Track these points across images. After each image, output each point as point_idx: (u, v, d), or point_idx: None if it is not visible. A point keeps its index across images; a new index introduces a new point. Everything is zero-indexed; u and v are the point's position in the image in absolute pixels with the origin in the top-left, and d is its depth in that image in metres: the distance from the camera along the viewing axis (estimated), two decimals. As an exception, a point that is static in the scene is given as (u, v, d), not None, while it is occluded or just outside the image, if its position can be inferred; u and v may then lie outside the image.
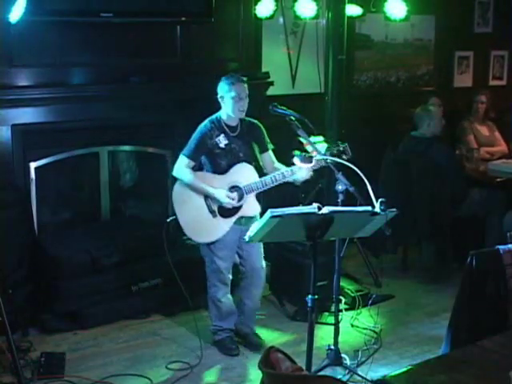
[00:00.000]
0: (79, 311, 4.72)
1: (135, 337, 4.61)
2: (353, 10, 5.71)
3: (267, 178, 4.21)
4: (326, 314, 4.85)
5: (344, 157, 4.04)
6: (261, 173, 4.33)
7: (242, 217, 4.25)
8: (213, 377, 4.18)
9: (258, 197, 4.35)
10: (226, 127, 4.25)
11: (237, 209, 4.24)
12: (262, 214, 3.10)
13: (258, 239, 3.26)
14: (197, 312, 4.68)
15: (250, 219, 4.23)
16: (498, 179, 5.72)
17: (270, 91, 5.79)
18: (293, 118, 4.17)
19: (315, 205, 3.09)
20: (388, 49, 6.93)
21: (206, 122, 4.26)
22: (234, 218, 4.24)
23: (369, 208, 3.21)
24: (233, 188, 4.22)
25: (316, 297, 3.23)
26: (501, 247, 3.36)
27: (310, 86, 6.22)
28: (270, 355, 2.25)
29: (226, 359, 4.35)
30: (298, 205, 3.96)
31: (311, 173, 4.20)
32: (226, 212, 4.23)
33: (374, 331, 4.67)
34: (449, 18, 7.15)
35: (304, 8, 5.61)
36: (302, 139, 4.17)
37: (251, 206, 4.27)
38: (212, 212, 4.22)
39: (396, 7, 5.70)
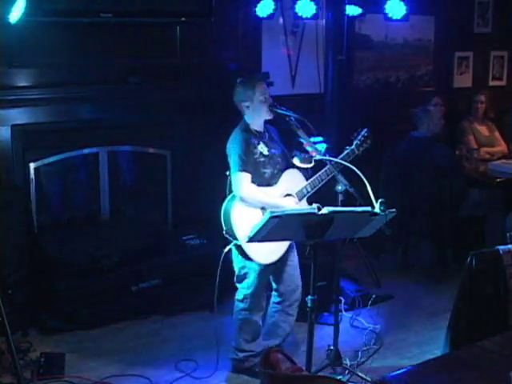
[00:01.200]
0: (79, 311, 4.72)
1: (135, 337, 4.60)
2: (352, 10, 5.70)
3: (315, 180, 4.02)
4: (326, 314, 4.84)
5: (368, 142, 4.15)
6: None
7: None
8: (212, 377, 4.18)
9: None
10: (257, 134, 4.02)
11: None
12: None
13: (258, 239, 3.26)
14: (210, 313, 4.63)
15: None
16: (498, 179, 5.73)
17: (270, 91, 5.75)
18: (292, 118, 4.17)
19: (315, 205, 3.10)
20: (387, 49, 6.92)
21: (239, 131, 3.97)
22: None
23: (368, 208, 3.21)
24: (286, 197, 4.00)
25: (316, 297, 3.24)
26: (501, 248, 3.37)
27: (310, 86, 6.22)
28: (270, 356, 2.25)
29: (225, 359, 4.34)
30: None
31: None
32: None
33: (374, 331, 4.67)
34: (448, 19, 7.15)
35: (304, 8, 5.61)
36: (301, 139, 4.18)
37: None
38: None
39: (395, 7, 5.70)
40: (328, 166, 4.00)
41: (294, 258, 4.14)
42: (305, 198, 4.02)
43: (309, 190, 4.02)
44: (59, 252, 4.77)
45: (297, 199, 3.99)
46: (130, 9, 5.01)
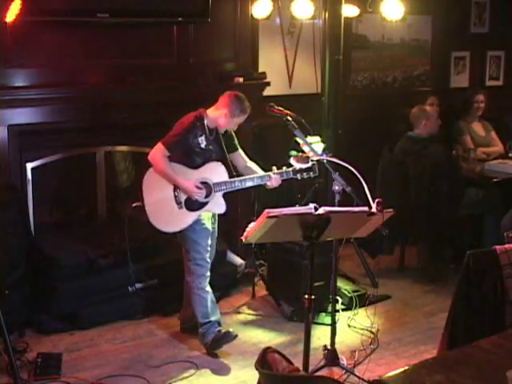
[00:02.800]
0: (76, 312, 4.72)
1: (132, 337, 4.60)
2: (349, 11, 5.71)
3: (237, 180, 4.33)
4: (323, 314, 4.85)
5: (308, 174, 4.28)
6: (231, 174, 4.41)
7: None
8: (209, 377, 4.18)
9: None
10: (207, 129, 4.31)
11: (203, 204, 4.31)
12: (258, 214, 3.10)
13: (255, 240, 3.26)
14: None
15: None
16: (495, 179, 5.73)
17: (267, 91, 5.79)
18: (289, 118, 4.18)
19: (312, 205, 3.09)
20: (385, 49, 6.93)
21: (193, 118, 4.30)
22: (198, 212, 4.32)
23: (365, 208, 3.21)
24: (203, 184, 4.30)
25: (313, 297, 3.24)
26: (498, 247, 3.37)
27: (307, 86, 6.23)
28: (266, 356, 2.25)
29: (222, 359, 4.35)
30: (294, 205, 3.97)
31: (279, 182, 4.33)
32: (191, 205, 4.30)
33: (371, 331, 4.67)
34: (445, 19, 7.16)
35: (301, 8, 5.61)
36: (298, 139, 4.18)
37: (217, 204, 4.35)
38: (179, 203, 4.29)
39: (392, 7, 5.70)
40: (256, 175, 4.33)
41: None
42: (221, 193, 4.31)
43: (228, 186, 4.31)
44: (56, 252, 4.76)
45: (210, 191, 4.28)
46: (126, 9, 5.00)
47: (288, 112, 4.24)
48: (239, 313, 5.06)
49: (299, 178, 4.31)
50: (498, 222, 5.41)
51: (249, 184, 4.33)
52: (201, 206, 4.31)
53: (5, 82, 4.75)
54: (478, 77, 7.64)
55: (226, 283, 5.18)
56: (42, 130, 4.94)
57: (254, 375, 2.32)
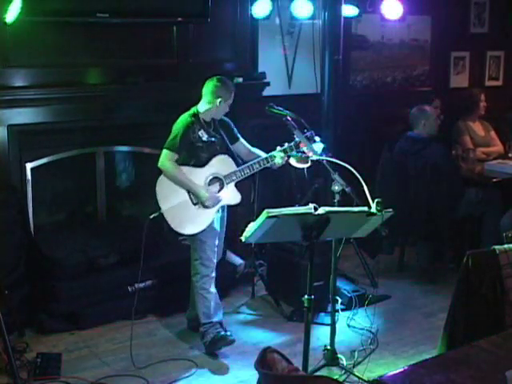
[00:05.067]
0: (75, 312, 4.72)
1: (132, 337, 4.60)
2: (349, 11, 5.71)
3: (245, 167, 4.37)
4: (323, 314, 4.85)
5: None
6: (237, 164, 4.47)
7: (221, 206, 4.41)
8: (209, 377, 4.18)
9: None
10: (203, 123, 4.37)
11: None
12: (258, 214, 3.10)
13: (255, 240, 3.26)
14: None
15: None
16: (494, 179, 5.73)
17: (267, 91, 5.79)
18: (289, 118, 4.18)
19: (311, 205, 3.10)
20: (384, 49, 6.93)
21: (187, 116, 4.36)
22: (216, 208, 4.35)
23: (365, 208, 3.21)
24: (213, 179, 4.35)
25: (312, 297, 3.24)
26: (497, 247, 3.37)
27: (307, 86, 6.22)
28: (266, 356, 2.25)
29: (222, 360, 4.35)
30: (294, 205, 3.98)
31: (285, 160, 4.35)
32: None
33: (371, 331, 4.67)
34: (445, 19, 7.16)
35: (300, 8, 5.61)
36: (298, 139, 4.19)
37: (232, 195, 4.40)
38: (195, 204, 4.32)
39: (392, 8, 5.71)
40: (261, 158, 4.36)
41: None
42: (233, 183, 4.37)
43: (238, 175, 4.36)
44: (56, 252, 4.76)
45: (222, 185, 4.35)
46: (126, 9, 5.00)
47: (287, 112, 4.25)
48: (239, 313, 5.07)
49: (301, 152, 4.27)
50: (498, 222, 5.41)
51: (256, 167, 4.36)
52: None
53: (4, 81, 4.75)
54: (477, 77, 7.64)
55: (225, 283, 5.18)
56: (42, 130, 4.94)
57: (254, 375, 2.32)
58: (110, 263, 4.88)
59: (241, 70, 5.70)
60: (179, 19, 5.29)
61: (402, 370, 2.60)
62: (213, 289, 4.41)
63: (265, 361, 2.23)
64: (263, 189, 5.31)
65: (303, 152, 4.20)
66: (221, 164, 4.37)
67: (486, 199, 5.70)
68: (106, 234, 5.12)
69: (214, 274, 4.40)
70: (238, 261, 5.48)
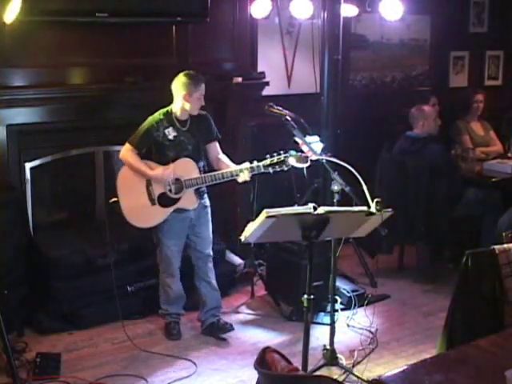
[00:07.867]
0: (75, 311, 4.72)
1: (131, 337, 4.59)
2: (348, 10, 5.70)
3: (207, 176, 4.38)
4: (322, 314, 4.85)
5: (281, 167, 4.24)
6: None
7: (178, 208, 4.42)
8: (208, 377, 4.18)
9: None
10: (176, 121, 4.42)
11: (175, 200, 4.39)
12: (257, 214, 3.10)
13: (254, 239, 3.26)
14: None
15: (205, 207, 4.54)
16: (494, 179, 5.73)
17: (266, 91, 5.78)
18: (288, 118, 4.17)
19: (311, 205, 3.09)
20: (383, 49, 6.93)
21: (157, 114, 4.43)
22: (171, 209, 4.40)
23: (364, 208, 3.21)
24: (176, 181, 4.39)
25: (312, 297, 3.24)
26: (496, 247, 3.37)
27: (306, 86, 6.22)
28: (265, 355, 2.25)
29: (222, 359, 4.35)
30: (293, 205, 3.97)
31: (250, 176, 4.35)
32: (164, 201, 4.39)
33: (370, 331, 4.67)
34: (444, 18, 7.16)
35: (300, 8, 5.61)
36: (297, 139, 4.18)
37: (189, 200, 4.43)
38: (151, 200, 4.38)
39: (391, 7, 5.70)
40: (227, 170, 4.35)
41: None
42: (192, 188, 4.39)
43: (199, 182, 4.38)
44: (55, 252, 4.76)
45: (183, 186, 4.36)
46: (125, 8, 5.00)
47: (287, 112, 4.25)
48: (238, 312, 5.07)
49: (271, 171, 4.29)
50: (497, 221, 5.41)
51: (219, 178, 4.37)
52: (173, 202, 4.40)
53: (4, 81, 4.75)
54: (476, 76, 7.64)
55: (225, 283, 5.17)
56: (41, 130, 4.94)
57: (253, 375, 2.32)
58: (109, 263, 4.87)
59: (240, 69, 5.69)
60: (178, 19, 5.28)
61: (401, 369, 2.60)
62: (174, 284, 4.60)
63: (264, 360, 2.23)
64: (262, 188, 5.30)
65: (302, 152, 4.20)
66: (183, 167, 4.39)
67: (486, 199, 5.70)
68: (104, 234, 5.10)
69: (172, 271, 4.56)
70: (237, 260, 5.48)
